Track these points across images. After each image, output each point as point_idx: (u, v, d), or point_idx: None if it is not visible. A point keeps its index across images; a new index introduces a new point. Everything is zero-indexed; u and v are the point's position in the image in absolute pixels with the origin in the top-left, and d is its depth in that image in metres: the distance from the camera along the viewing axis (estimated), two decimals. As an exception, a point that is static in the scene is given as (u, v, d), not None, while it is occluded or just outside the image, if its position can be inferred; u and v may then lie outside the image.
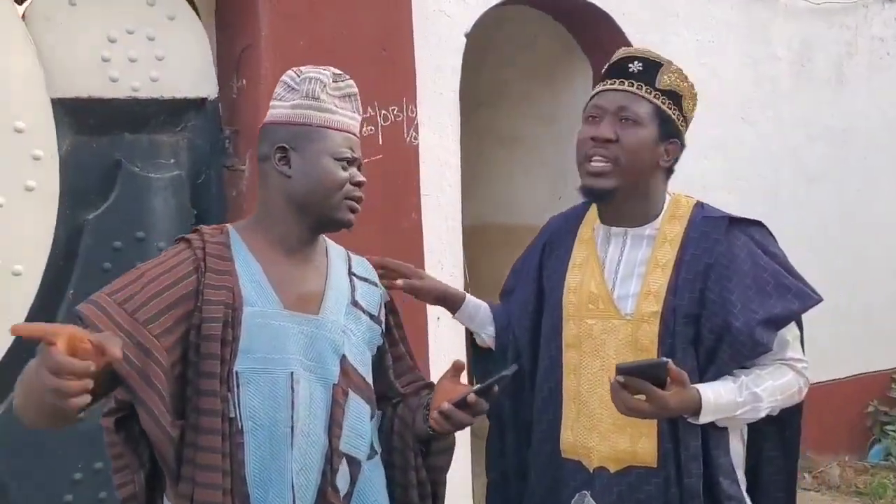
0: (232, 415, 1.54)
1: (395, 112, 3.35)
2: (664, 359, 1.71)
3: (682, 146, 1.93)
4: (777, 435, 1.95)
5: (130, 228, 2.97)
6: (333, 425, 1.62)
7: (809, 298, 1.87)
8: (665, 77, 1.88)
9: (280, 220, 1.66)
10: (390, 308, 1.84)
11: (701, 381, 1.80)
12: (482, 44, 4.16)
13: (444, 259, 3.61)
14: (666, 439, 1.83)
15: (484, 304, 2.12)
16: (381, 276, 1.87)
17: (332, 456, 1.62)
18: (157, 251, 2.83)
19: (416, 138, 3.43)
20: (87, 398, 1.24)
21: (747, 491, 1.91)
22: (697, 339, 1.84)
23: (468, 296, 2.11)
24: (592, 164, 1.86)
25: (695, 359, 1.83)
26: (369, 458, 1.70)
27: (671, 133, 1.89)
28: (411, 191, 3.44)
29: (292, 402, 1.58)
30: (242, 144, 3.13)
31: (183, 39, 3.08)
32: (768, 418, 1.85)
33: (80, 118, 2.91)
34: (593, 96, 1.92)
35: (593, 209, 2.02)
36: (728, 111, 4.65)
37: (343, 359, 1.66)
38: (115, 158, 2.97)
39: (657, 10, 4.33)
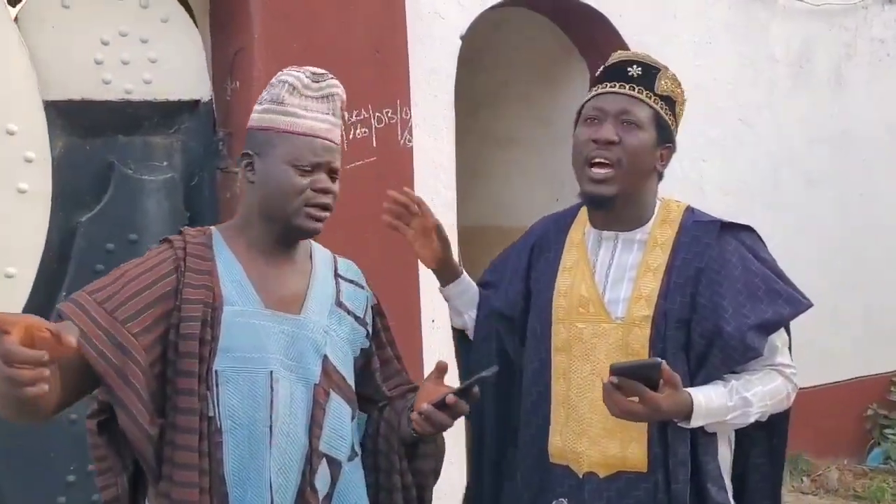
0: (211, 413, 1.54)
1: (388, 114, 3.34)
2: (658, 359, 1.71)
3: (674, 151, 1.94)
4: (765, 441, 1.95)
5: (123, 231, 2.97)
6: (314, 425, 1.62)
7: (800, 304, 1.87)
8: (663, 82, 1.89)
9: (255, 224, 1.67)
10: (377, 311, 1.83)
11: (691, 385, 1.79)
12: (480, 46, 4.16)
13: (440, 261, 3.60)
14: (655, 444, 1.82)
15: (475, 287, 2.11)
16: (410, 213, 1.95)
17: (311, 456, 1.61)
18: (150, 253, 2.83)
19: (410, 140, 3.42)
20: (45, 387, 1.26)
21: (733, 498, 1.90)
22: (688, 344, 1.83)
23: (465, 273, 2.08)
24: (594, 170, 1.84)
25: (686, 363, 1.83)
26: (350, 459, 1.69)
27: (667, 138, 1.90)
28: (405, 193, 3.43)
29: (272, 402, 1.57)
30: (236, 147, 3.12)
31: (176, 42, 3.08)
32: (757, 424, 1.86)
33: (73, 120, 2.91)
34: (591, 98, 1.91)
35: (583, 212, 2.01)
36: (726, 113, 4.64)
37: (325, 359, 1.65)
38: (108, 161, 2.97)
39: (655, 11, 4.32)
